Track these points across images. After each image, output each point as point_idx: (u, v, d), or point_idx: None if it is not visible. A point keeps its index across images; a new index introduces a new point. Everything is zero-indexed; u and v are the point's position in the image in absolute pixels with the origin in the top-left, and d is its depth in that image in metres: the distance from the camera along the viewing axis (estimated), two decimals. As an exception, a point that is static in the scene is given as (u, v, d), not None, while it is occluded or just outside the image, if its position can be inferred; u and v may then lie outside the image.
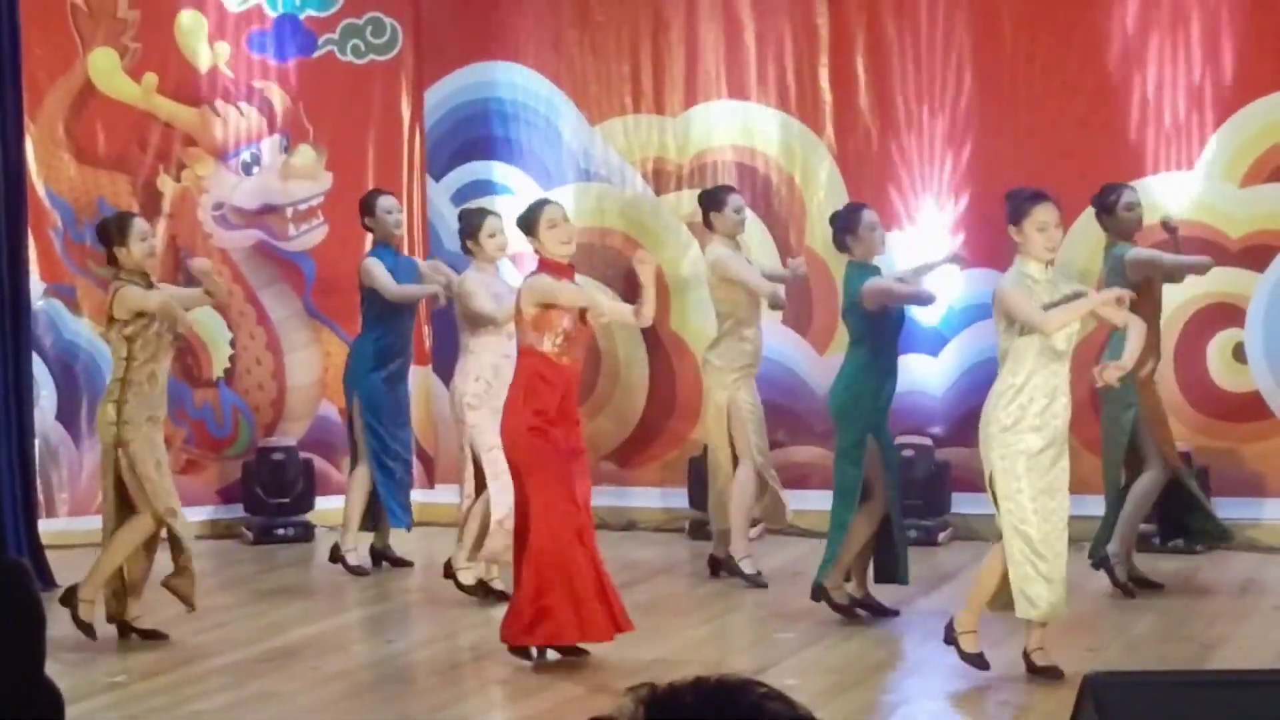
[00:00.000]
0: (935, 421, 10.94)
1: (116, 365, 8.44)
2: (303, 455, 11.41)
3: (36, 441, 10.40)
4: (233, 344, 11.63)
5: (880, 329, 8.60)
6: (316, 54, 11.81)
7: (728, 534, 9.70)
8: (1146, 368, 9.06)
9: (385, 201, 10.28)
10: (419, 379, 11.13)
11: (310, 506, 11.38)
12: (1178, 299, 10.17)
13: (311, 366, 11.78)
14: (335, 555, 10.24)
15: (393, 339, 10.16)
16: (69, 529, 10.65)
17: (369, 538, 10.32)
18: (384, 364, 10.13)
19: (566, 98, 11.79)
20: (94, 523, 9.17)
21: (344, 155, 11.80)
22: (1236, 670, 6.95)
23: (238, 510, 11.40)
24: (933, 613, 8.40)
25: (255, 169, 11.70)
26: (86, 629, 8.32)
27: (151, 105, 11.41)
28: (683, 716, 2.10)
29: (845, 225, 8.69)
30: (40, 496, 10.50)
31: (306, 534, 11.28)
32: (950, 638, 7.69)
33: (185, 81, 11.51)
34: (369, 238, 10.46)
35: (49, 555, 9.84)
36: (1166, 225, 9.45)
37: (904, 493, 9.32)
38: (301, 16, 11.78)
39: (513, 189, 11.66)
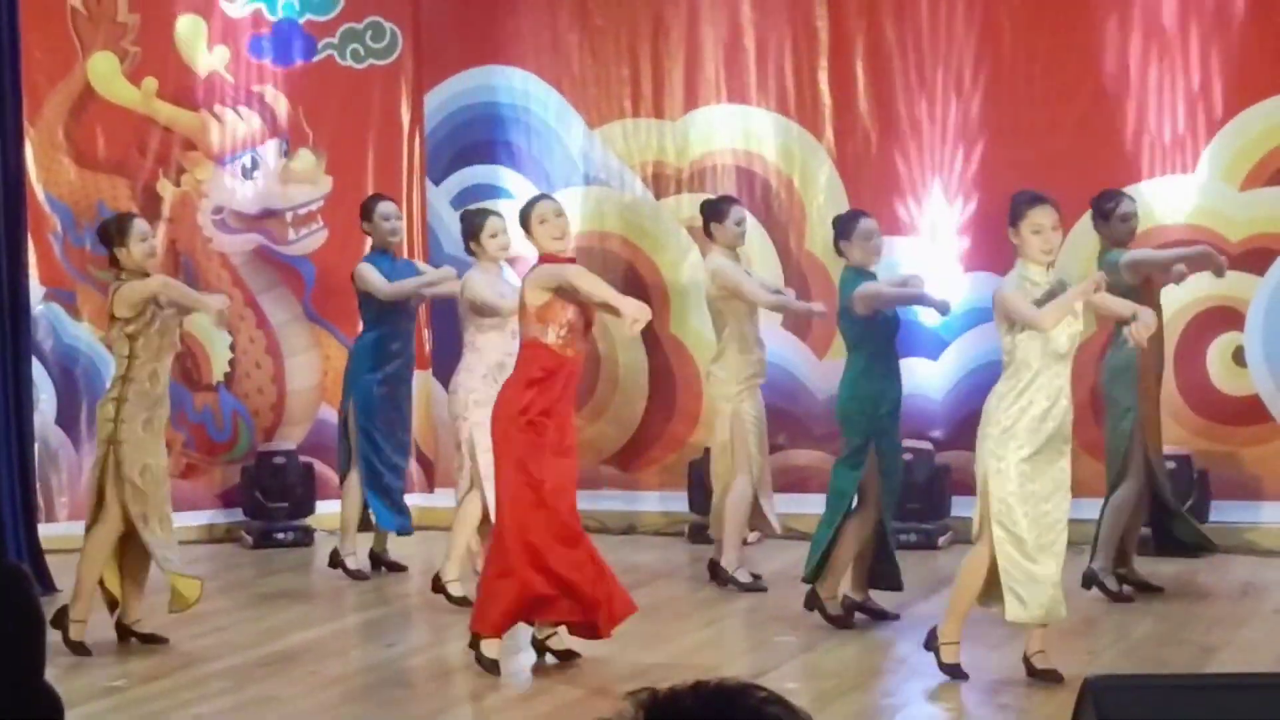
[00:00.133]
0: (935, 425, 10.94)
1: (119, 364, 8.42)
2: (302, 459, 11.41)
3: (36, 446, 10.40)
4: (232, 348, 11.63)
5: (873, 334, 8.61)
6: (316, 58, 11.82)
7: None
8: (1150, 374, 9.07)
9: (384, 207, 10.27)
10: (418, 383, 11.11)
11: (310, 511, 11.37)
12: (1178, 303, 10.18)
13: (311, 370, 11.77)
14: (335, 560, 10.24)
15: (390, 340, 10.14)
16: (68, 533, 10.56)
17: (368, 541, 10.32)
18: (381, 365, 10.12)
19: (566, 102, 11.79)
20: (93, 527, 9.16)
21: (344, 159, 11.80)
22: (1236, 673, 6.94)
23: (237, 514, 11.40)
24: (932, 617, 8.37)
25: (255, 173, 11.70)
26: (79, 649, 8.27)
27: (151, 109, 11.41)
28: (682, 720, 2.10)
29: (842, 232, 8.73)
30: (40, 501, 10.49)
31: (306, 538, 11.26)
32: (931, 645, 7.70)
33: (185, 86, 11.50)
34: (368, 242, 10.46)
35: (48, 559, 9.83)
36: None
37: (904, 496, 9.33)
38: (301, 21, 11.78)
39: (512, 193, 11.64)
